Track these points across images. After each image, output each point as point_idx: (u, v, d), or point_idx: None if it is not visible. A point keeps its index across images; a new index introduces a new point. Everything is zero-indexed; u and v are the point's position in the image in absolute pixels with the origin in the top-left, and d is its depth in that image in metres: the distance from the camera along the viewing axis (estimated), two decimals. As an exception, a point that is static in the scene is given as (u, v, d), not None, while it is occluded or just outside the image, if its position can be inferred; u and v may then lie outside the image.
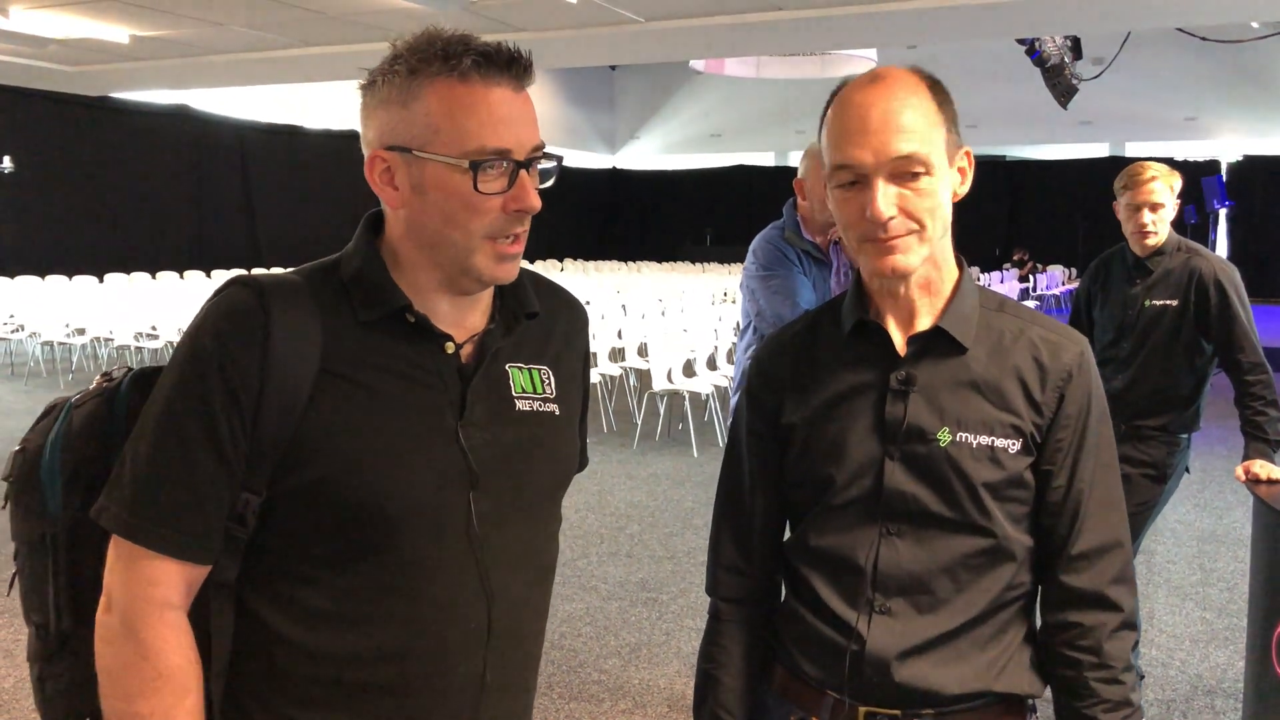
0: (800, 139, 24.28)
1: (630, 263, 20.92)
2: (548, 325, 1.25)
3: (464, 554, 1.13)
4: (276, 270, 1.11)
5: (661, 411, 7.99)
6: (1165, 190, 3.12)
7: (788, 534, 1.44)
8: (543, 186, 1.15)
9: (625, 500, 5.92)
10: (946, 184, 1.25)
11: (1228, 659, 3.77)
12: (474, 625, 1.15)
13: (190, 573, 1.09)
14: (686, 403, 7.55)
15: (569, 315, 1.30)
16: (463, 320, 1.18)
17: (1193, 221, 13.40)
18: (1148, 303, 3.19)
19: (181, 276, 14.77)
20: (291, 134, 18.38)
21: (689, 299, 12.30)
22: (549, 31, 9.58)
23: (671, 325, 8.79)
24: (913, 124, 1.21)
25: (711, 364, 8.46)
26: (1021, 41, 13.86)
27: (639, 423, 7.90)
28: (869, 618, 1.28)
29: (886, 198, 1.21)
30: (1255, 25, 15.70)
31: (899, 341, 1.30)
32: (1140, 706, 1.30)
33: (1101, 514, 1.29)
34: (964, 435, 1.25)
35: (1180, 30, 14.56)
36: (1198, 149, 20.94)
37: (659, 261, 21.43)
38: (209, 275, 14.91)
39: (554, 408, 1.22)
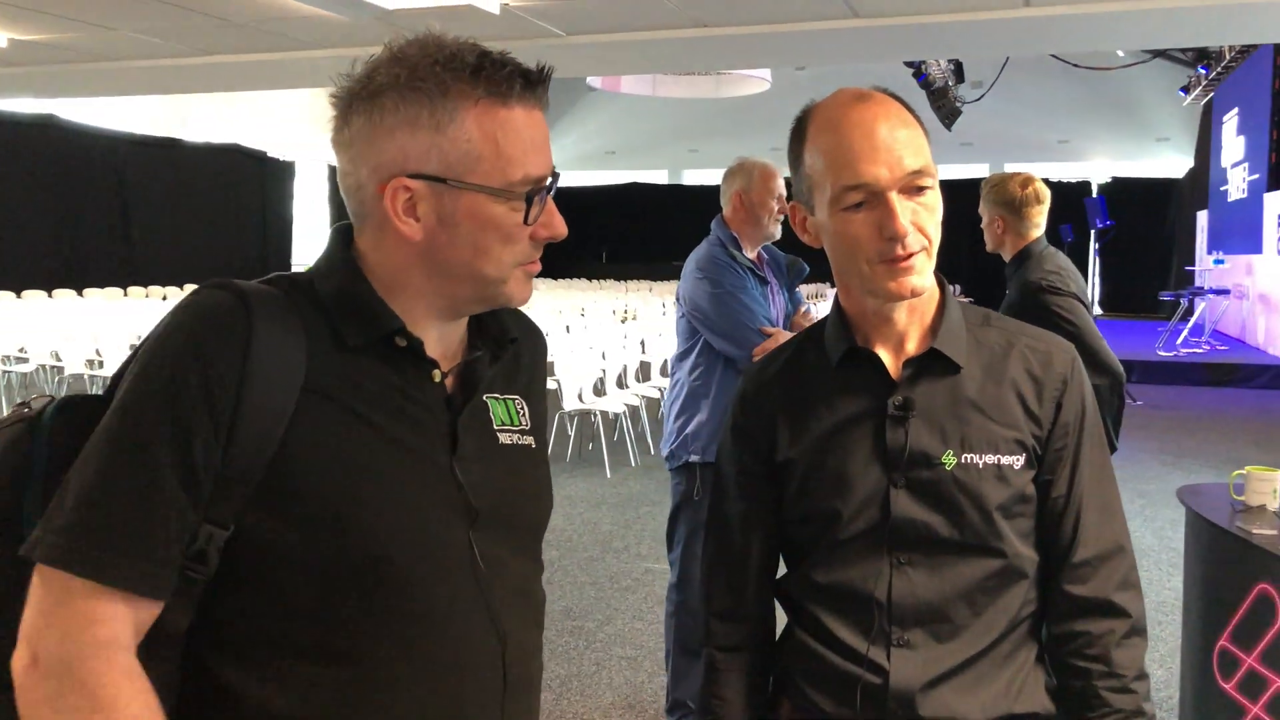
0: (694, 157, 24.53)
1: (526, 280, 20.68)
2: (516, 353, 1.17)
3: (473, 598, 1.03)
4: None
5: (572, 432, 7.87)
6: (982, 205, 3.32)
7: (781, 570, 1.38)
8: None
9: (540, 524, 5.77)
10: (940, 196, 1.24)
11: (1162, 678, 3.80)
12: (489, 675, 1.04)
13: (140, 613, 0.93)
14: (598, 422, 7.45)
15: (532, 341, 1.23)
16: (447, 348, 1.09)
17: (1069, 240, 13.98)
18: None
19: (50, 295, 13.96)
20: (170, 147, 17.61)
21: (592, 317, 12.21)
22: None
23: (578, 343, 8.68)
24: (914, 138, 1.21)
25: (621, 383, 8.38)
26: (909, 64, 14.30)
27: (550, 444, 7.75)
28: (888, 651, 1.23)
29: (904, 212, 1.18)
30: (1121, 54, 16.57)
31: (891, 366, 1.26)
32: (1154, 715, 1.27)
33: (1101, 520, 1.28)
34: (970, 456, 1.23)
35: (1054, 57, 15.22)
36: (1071, 170, 21.97)
37: (554, 279, 21.28)
38: (80, 294, 14.14)
39: (530, 440, 1.15)
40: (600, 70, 12.34)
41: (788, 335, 2.97)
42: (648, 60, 10.23)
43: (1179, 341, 13.63)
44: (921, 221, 1.20)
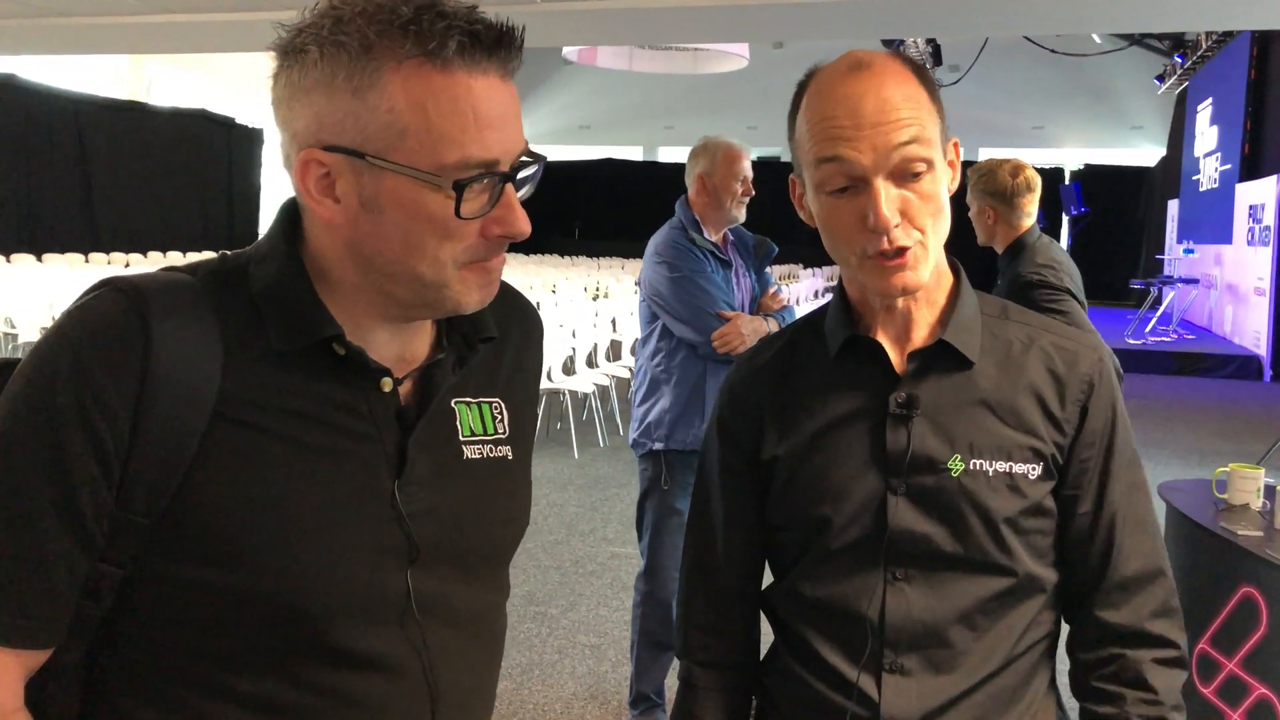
0: (670, 134, 24.37)
1: (497, 255, 20.46)
2: (499, 343, 1.01)
3: (401, 647, 0.90)
4: (157, 264, 0.84)
5: (540, 412, 7.74)
6: (970, 195, 3.18)
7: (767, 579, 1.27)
8: (521, 195, 0.90)
9: (505, 505, 5.66)
10: (943, 181, 1.10)
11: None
12: None
13: (30, 660, 0.84)
14: (567, 402, 7.34)
15: (522, 326, 1.07)
16: (404, 349, 0.94)
17: (1042, 226, 13.98)
18: None
19: (9, 260, 13.61)
20: (134, 111, 17.19)
21: (563, 294, 12.07)
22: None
23: (548, 321, 8.54)
24: (911, 115, 1.06)
25: (590, 362, 8.26)
26: (887, 44, 14.21)
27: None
28: (878, 677, 1.11)
29: (890, 201, 1.05)
30: (1097, 40, 16.57)
31: (896, 359, 1.14)
32: None
33: (1136, 539, 1.15)
34: (978, 462, 1.10)
35: (1031, 42, 15.19)
36: (1044, 156, 22.02)
37: (525, 254, 21.06)
38: (40, 259, 13.80)
39: (506, 450, 1.00)
40: (577, 40, 12.14)
41: (748, 319, 2.89)
42: (626, 31, 10.06)
43: (1148, 330, 13.70)
44: (913, 211, 1.06)
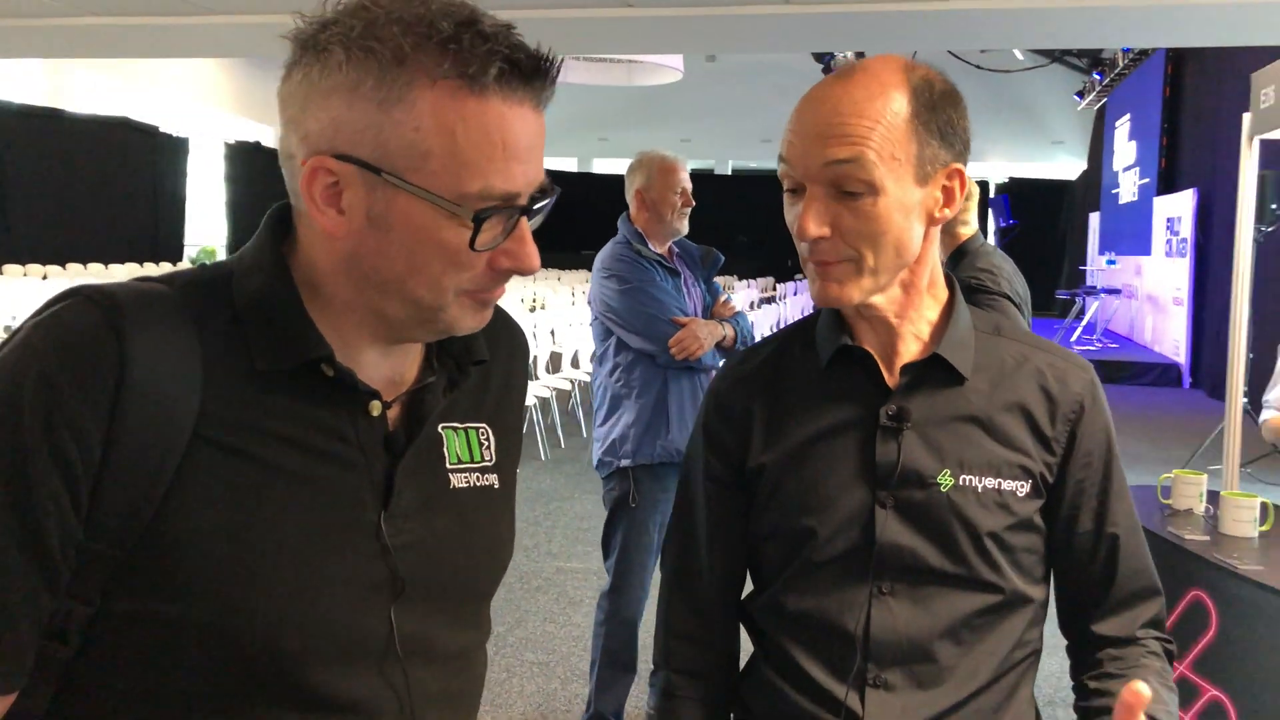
0: (604, 146, 24.37)
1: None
2: (487, 365, 0.96)
3: (380, 690, 0.85)
4: (78, 277, 0.77)
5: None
6: None
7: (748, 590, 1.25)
8: (530, 226, 0.86)
9: (446, 521, 5.57)
10: (905, 207, 1.06)
11: (1060, 667, 3.84)
12: None
13: None
14: (506, 414, 7.25)
15: (509, 345, 1.02)
16: (393, 371, 0.89)
17: (972, 237, 14.28)
18: None
19: (-83, 273, 13.08)
20: (51, 118, 16.63)
21: (508, 301, 11.95)
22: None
23: (486, 333, 8.45)
24: (860, 133, 1.02)
25: (530, 374, 8.18)
26: (818, 58, 14.38)
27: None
28: (862, 692, 1.10)
29: (818, 214, 1.04)
30: (1019, 57, 17.00)
31: (887, 372, 1.13)
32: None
33: (1139, 559, 1.17)
34: (967, 478, 1.10)
35: (956, 57, 15.52)
36: (970, 170, 22.47)
37: (460, 265, 20.84)
38: (-49, 273, 13.28)
39: (493, 479, 0.95)
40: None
41: (703, 323, 2.90)
42: (560, 41, 10.02)
43: (1073, 339, 14.07)
44: (847, 231, 1.05)
